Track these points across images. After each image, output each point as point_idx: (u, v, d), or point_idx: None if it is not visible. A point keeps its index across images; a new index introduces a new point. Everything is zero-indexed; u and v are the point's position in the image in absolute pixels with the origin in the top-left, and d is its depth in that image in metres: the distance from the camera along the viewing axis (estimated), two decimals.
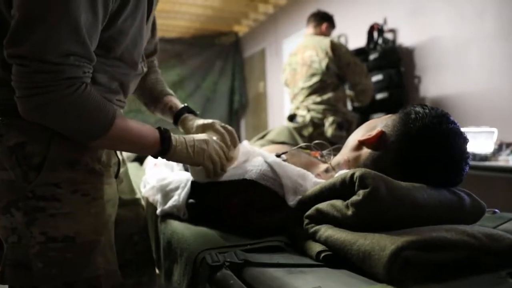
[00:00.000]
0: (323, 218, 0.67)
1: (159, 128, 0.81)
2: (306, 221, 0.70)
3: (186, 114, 1.04)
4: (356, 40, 3.25)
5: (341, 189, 0.66)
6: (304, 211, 0.71)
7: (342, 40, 3.34)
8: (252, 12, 5.05)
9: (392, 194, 0.61)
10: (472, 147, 2.02)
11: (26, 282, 0.71)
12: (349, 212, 0.61)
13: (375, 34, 2.97)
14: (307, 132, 2.48)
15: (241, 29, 5.87)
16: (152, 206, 1.08)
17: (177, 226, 0.88)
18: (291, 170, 0.82)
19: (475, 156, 1.96)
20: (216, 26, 5.63)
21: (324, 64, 2.45)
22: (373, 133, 0.80)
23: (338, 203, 0.65)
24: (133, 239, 1.02)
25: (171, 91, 1.10)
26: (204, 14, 4.95)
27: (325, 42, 2.49)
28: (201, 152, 0.85)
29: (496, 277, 0.53)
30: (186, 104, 1.07)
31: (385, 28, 2.98)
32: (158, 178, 1.05)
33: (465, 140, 0.76)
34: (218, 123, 0.98)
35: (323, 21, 2.68)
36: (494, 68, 2.33)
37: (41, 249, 0.71)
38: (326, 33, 2.67)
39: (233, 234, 0.79)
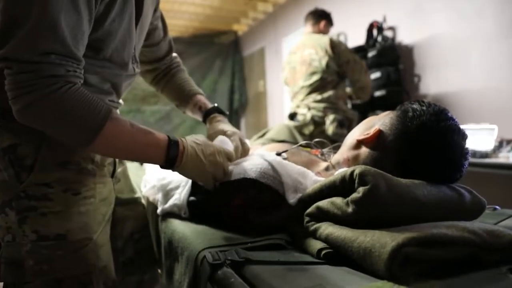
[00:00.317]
0: (323, 215, 0.67)
1: (168, 137, 0.76)
2: (306, 219, 0.70)
3: (215, 114, 1.04)
4: (355, 38, 3.25)
5: (341, 187, 0.66)
6: (305, 209, 0.71)
7: (342, 38, 3.34)
8: (252, 11, 5.05)
9: (392, 191, 0.61)
10: (473, 144, 2.02)
11: (18, 279, 0.74)
12: (349, 210, 0.61)
13: (375, 32, 2.97)
14: (308, 130, 2.48)
15: (241, 28, 5.86)
16: (152, 205, 1.08)
17: (177, 225, 0.88)
18: (292, 169, 0.82)
19: (476, 153, 1.96)
20: (215, 25, 5.62)
21: (324, 62, 2.44)
22: (371, 132, 0.80)
23: (338, 200, 0.65)
24: (134, 237, 1.03)
25: (200, 90, 1.12)
26: (204, 13, 4.94)
27: (324, 40, 2.49)
28: (205, 175, 0.80)
29: (496, 273, 0.53)
30: (216, 104, 1.07)
31: (385, 26, 2.98)
32: (159, 178, 1.05)
33: (464, 136, 0.76)
34: (238, 135, 0.96)
35: (321, 19, 2.67)
36: (494, 66, 2.32)
37: (32, 247, 0.73)
38: (325, 31, 2.67)
39: (233, 232, 0.79)
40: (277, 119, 5.01)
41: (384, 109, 1.26)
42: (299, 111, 2.57)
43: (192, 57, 5.74)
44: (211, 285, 0.61)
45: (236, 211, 0.84)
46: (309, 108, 2.51)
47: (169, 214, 0.97)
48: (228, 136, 0.95)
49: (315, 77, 2.50)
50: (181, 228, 0.86)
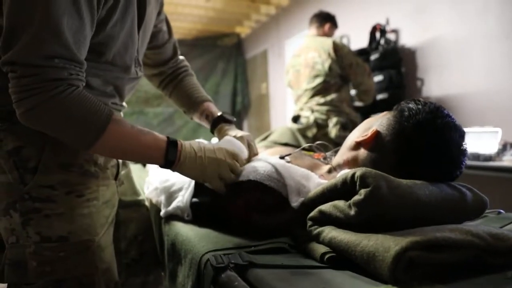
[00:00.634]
0: (326, 219, 0.67)
1: (167, 138, 0.78)
2: (309, 223, 0.70)
3: (222, 124, 1.04)
4: (358, 40, 3.25)
5: (343, 190, 0.66)
6: (307, 213, 0.71)
7: (345, 41, 3.34)
8: (254, 13, 5.06)
9: (394, 192, 0.61)
10: (476, 147, 2.01)
11: (21, 280, 0.74)
12: (352, 212, 0.61)
13: (377, 34, 2.97)
14: (311, 133, 2.48)
15: (243, 30, 5.87)
16: (155, 208, 1.08)
17: (181, 228, 0.88)
18: (295, 171, 0.82)
19: (479, 156, 1.95)
20: (218, 28, 5.64)
21: (326, 65, 2.45)
22: (369, 133, 0.80)
23: (340, 203, 0.65)
24: (137, 239, 1.03)
25: (208, 97, 1.11)
26: (206, 15, 4.96)
27: (327, 43, 2.49)
28: (210, 173, 0.80)
29: (502, 278, 0.53)
30: (221, 113, 1.06)
31: (388, 28, 2.98)
32: (161, 180, 1.05)
33: (461, 133, 0.75)
34: (246, 138, 0.96)
35: (326, 21, 2.68)
36: (497, 68, 2.32)
37: (36, 249, 0.74)
38: (329, 34, 2.68)
39: (237, 235, 0.79)
40: (280, 121, 5.02)
41: None
42: (302, 113, 2.57)
43: (195, 59, 5.75)
44: None
45: (240, 213, 0.84)
46: (312, 111, 2.51)
47: (172, 216, 0.97)
48: (238, 139, 0.95)
49: (318, 80, 2.50)
50: (185, 230, 0.86)
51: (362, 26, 3.19)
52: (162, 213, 0.99)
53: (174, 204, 0.97)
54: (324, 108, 2.48)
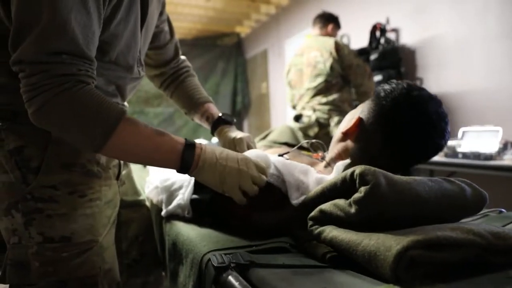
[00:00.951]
0: (327, 218, 0.67)
1: (186, 141, 0.73)
2: (310, 222, 0.70)
3: (222, 126, 1.03)
4: (358, 40, 3.25)
5: (343, 188, 0.66)
6: (308, 212, 0.71)
7: (345, 40, 3.34)
8: (254, 13, 5.06)
9: (394, 188, 0.61)
10: (477, 146, 2.01)
11: (23, 281, 0.74)
12: (352, 210, 0.61)
13: (378, 33, 2.97)
14: (312, 132, 2.50)
15: (243, 30, 5.87)
16: (156, 207, 1.08)
17: (182, 228, 0.88)
18: (294, 167, 0.83)
19: (480, 155, 1.95)
20: (218, 27, 5.64)
21: (328, 64, 2.46)
22: (352, 122, 0.84)
23: (340, 202, 0.65)
24: (138, 240, 1.03)
25: (209, 98, 1.11)
26: (206, 15, 4.96)
27: (329, 42, 2.51)
28: (230, 183, 0.74)
29: (503, 277, 0.53)
30: (221, 114, 1.06)
31: (388, 27, 2.98)
32: (162, 179, 1.05)
33: (438, 102, 0.80)
34: (246, 140, 0.96)
35: (329, 22, 2.71)
36: (497, 67, 2.32)
37: (38, 249, 0.73)
38: (332, 34, 2.70)
39: (238, 235, 0.79)
40: (280, 121, 5.02)
41: None
42: (304, 113, 2.59)
43: (195, 59, 5.76)
44: None
45: (239, 210, 0.84)
46: (314, 110, 2.53)
47: (173, 216, 0.97)
48: (236, 142, 0.95)
49: (319, 79, 2.51)
50: (186, 230, 0.86)
51: (362, 25, 3.19)
52: (163, 212, 0.99)
53: (175, 202, 0.97)
54: (326, 107, 2.49)
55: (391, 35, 3.00)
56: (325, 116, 2.48)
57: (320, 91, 2.53)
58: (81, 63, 0.64)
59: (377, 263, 0.53)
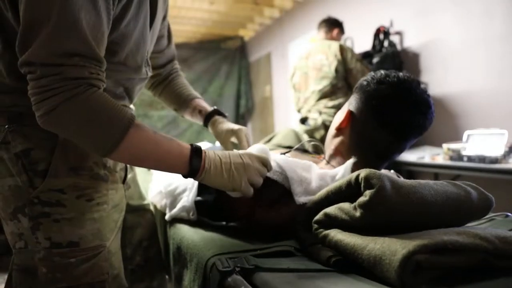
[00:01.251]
0: (332, 222, 0.67)
1: (191, 145, 0.73)
2: (315, 226, 0.70)
3: (216, 117, 1.04)
4: (362, 43, 3.25)
5: (348, 192, 0.66)
6: (312, 216, 0.71)
7: (349, 43, 3.34)
8: (258, 16, 5.07)
9: (399, 192, 0.61)
10: (482, 149, 2.00)
11: (31, 286, 0.73)
12: (358, 214, 0.61)
13: (381, 36, 2.97)
14: (319, 135, 2.51)
15: (247, 33, 5.89)
16: (160, 212, 1.08)
17: (186, 231, 0.88)
18: (296, 164, 0.83)
19: (485, 159, 1.94)
20: (222, 31, 5.66)
21: (333, 67, 2.49)
22: (343, 115, 0.90)
23: (345, 205, 0.65)
24: (142, 245, 1.03)
25: (198, 94, 1.11)
26: (210, 19, 4.98)
27: (335, 45, 2.54)
28: (238, 178, 0.74)
29: (510, 281, 0.52)
30: (215, 107, 1.07)
31: (391, 30, 2.98)
32: (165, 184, 1.06)
33: (417, 80, 0.86)
34: (244, 131, 0.97)
35: (334, 27, 2.75)
36: (502, 69, 2.30)
37: (45, 254, 0.72)
38: (337, 39, 2.75)
39: (242, 239, 0.79)
40: (283, 124, 5.01)
41: None
42: (310, 115, 2.60)
43: (199, 62, 5.78)
44: None
45: (244, 208, 0.85)
46: (320, 113, 2.54)
47: (177, 220, 0.97)
48: (235, 132, 0.96)
49: (325, 82, 2.53)
50: (190, 234, 0.86)
51: (366, 28, 3.19)
52: (167, 216, 0.99)
53: (179, 205, 0.97)
54: (332, 111, 2.51)
55: (394, 38, 3.00)
56: (331, 119, 2.47)
57: (326, 94, 2.55)
58: (92, 65, 0.63)
59: (383, 267, 0.52)
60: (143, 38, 0.78)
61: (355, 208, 0.62)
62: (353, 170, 0.83)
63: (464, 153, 2.07)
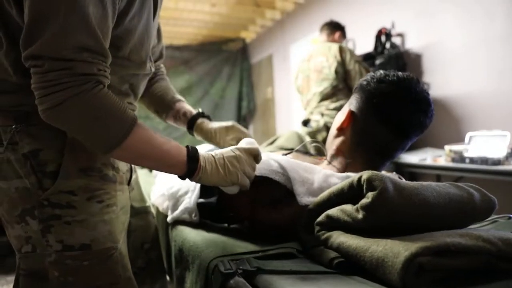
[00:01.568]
0: (334, 224, 0.67)
1: (187, 147, 0.74)
2: (317, 228, 0.70)
3: (202, 119, 1.03)
4: (364, 45, 3.25)
5: (350, 194, 0.66)
6: (314, 217, 0.71)
7: (350, 45, 3.34)
8: (259, 18, 5.08)
9: (401, 194, 0.61)
10: (485, 151, 2.00)
11: None
12: (360, 216, 0.61)
13: (383, 38, 2.97)
14: (321, 136, 2.52)
15: (249, 35, 5.90)
16: (162, 214, 1.08)
17: (188, 233, 0.88)
18: (298, 165, 0.83)
19: (488, 160, 1.93)
20: (223, 33, 5.67)
21: (333, 69, 2.50)
22: (344, 115, 0.90)
23: (348, 207, 0.65)
24: (144, 248, 1.03)
25: (181, 97, 1.10)
26: (212, 21, 4.99)
27: (334, 47, 2.55)
28: (234, 171, 0.75)
29: None
30: (200, 110, 1.06)
31: (393, 32, 2.98)
32: (167, 187, 1.06)
33: (415, 78, 0.87)
34: (236, 125, 0.98)
35: (336, 29, 2.77)
36: (504, 70, 2.30)
37: (57, 258, 0.70)
38: (338, 42, 2.76)
39: (244, 240, 0.79)
40: (285, 126, 5.01)
41: None
42: (312, 117, 2.61)
43: (200, 64, 5.79)
44: None
45: (246, 209, 0.85)
46: (323, 115, 2.55)
47: (179, 222, 0.98)
48: (230, 127, 0.96)
49: (325, 84, 2.54)
50: (192, 236, 0.86)
51: (367, 30, 3.19)
52: (169, 218, 0.99)
53: (181, 206, 0.97)
54: (334, 112, 2.52)
55: (396, 40, 3.00)
56: (333, 120, 2.49)
57: (327, 95, 2.56)
58: (100, 62, 0.62)
59: (385, 269, 0.52)
60: (147, 33, 0.77)
61: (357, 210, 0.62)
62: (355, 170, 0.84)
63: (466, 154, 2.06)
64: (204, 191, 0.95)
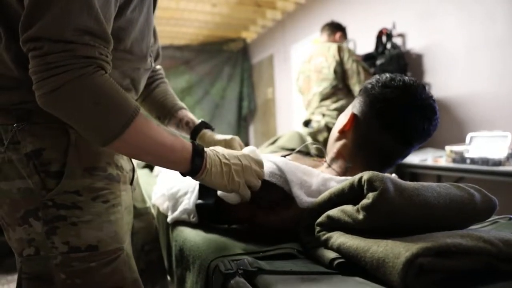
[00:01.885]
0: (334, 224, 0.67)
1: (192, 143, 0.71)
2: (317, 228, 0.69)
3: (205, 130, 1.03)
4: (365, 45, 3.25)
5: (350, 194, 0.66)
6: (315, 218, 0.71)
7: (351, 45, 3.34)
8: (260, 19, 5.08)
9: (402, 194, 0.61)
10: (485, 151, 2.00)
11: None
12: (360, 216, 0.61)
13: (384, 39, 2.97)
14: (322, 137, 2.53)
15: (249, 35, 5.90)
16: (162, 215, 1.08)
17: (188, 234, 0.89)
18: (296, 167, 0.83)
19: (488, 161, 1.93)
20: (224, 33, 5.67)
21: (332, 68, 2.51)
22: (347, 118, 0.88)
23: (348, 208, 0.65)
24: (144, 249, 1.02)
25: (183, 104, 1.09)
26: (213, 21, 4.99)
27: (333, 47, 2.56)
28: (237, 180, 0.74)
29: None
30: (203, 120, 1.06)
31: (394, 32, 2.98)
32: (168, 187, 1.06)
33: (422, 84, 0.85)
34: (238, 141, 0.97)
35: (337, 30, 2.77)
36: (506, 71, 2.30)
37: (63, 260, 0.68)
38: (339, 42, 2.74)
39: (245, 241, 0.79)
40: (286, 126, 5.02)
41: None
42: (313, 118, 2.62)
43: (201, 64, 5.79)
44: None
45: (244, 212, 0.85)
46: (323, 115, 2.55)
47: (180, 222, 0.98)
48: (228, 143, 0.96)
49: (325, 84, 2.55)
50: (192, 236, 0.86)
51: (368, 30, 3.19)
52: (169, 219, 1.00)
53: (180, 207, 0.97)
54: (335, 113, 2.53)
55: (397, 40, 3.00)
56: (334, 121, 2.48)
57: (327, 95, 2.56)
58: (101, 46, 0.60)
59: (386, 270, 0.52)
60: (147, 25, 0.76)
61: (358, 211, 0.62)
62: (355, 174, 0.83)
63: (467, 155, 2.06)
64: (203, 192, 0.95)
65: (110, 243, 0.72)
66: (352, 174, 0.84)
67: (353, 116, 0.88)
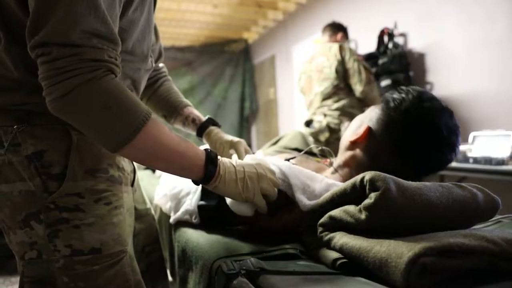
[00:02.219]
0: (337, 224, 0.67)
1: (206, 150, 0.70)
2: (320, 229, 0.69)
3: (211, 127, 1.03)
4: (366, 45, 3.25)
5: (353, 194, 0.66)
6: (317, 218, 0.71)
7: (352, 45, 3.34)
8: (262, 19, 5.08)
9: (404, 194, 0.60)
10: (488, 151, 1.99)
11: None
12: (363, 216, 0.61)
13: (385, 38, 2.97)
14: (323, 137, 2.52)
15: (251, 36, 5.91)
16: (165, 215, 1.09)
17: (191, 234, 0.89)
18: (299, 172, 0.83)
19: (491, 160, 1.92)
20: (225, 34, 5.68)
21: (333, 68, 2.50)
22: (361, 131, 0.84)
23: (350, 208, 0.64)
24: (145, 251, 1.02)
25: (188, 102, 1.09)
26: (214, 22, 5.00)
27: (334, 47, 2.55)
28: (252, 188, 0.72)
29: None
30: (209, 116, 1.06)
31: (396, 32, 2.98)
32: (170, 187, 1.06)
33: (450, 114, 0.79)
34: (244, 144, 0.97)
35: (339, 31, 2.76)
36: (507, 71, 2.29)
37: (66, 263, 0.67)
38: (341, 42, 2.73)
39: (247, 241, 0.79)
40: (288, 126, 5.01)
41: None
42: (315, 118, 2.61)
43: (203, 65, 5.80)
44: None
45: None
46: (325, 115, 2.55)
47: (182, 223, 0.98)
48: (235, 144, 0.96)
49: (326, 83, 2.55)
50: (195, 236, 0.86)
51: (370, 30, 3.19)
52: (171, 219, 1.00)
53: (183, 208, 0.97)
54: (336, 113, 2.52)
55: (399, 40, 3.00)
56: (336, 121, 2.49)
57: (328, 95, 2.56)
58: (110, 49, 0.59)
59: (389, 270, 0.52)
60: (148, 25, 0.75)
61: (360, 211, 0.62)
62: None
63: (470, 154, 2.05)
64: (206, 193, 0.95)
65: (113, 246, 0.71)
66: None
67: (368, 130, 0.85)
